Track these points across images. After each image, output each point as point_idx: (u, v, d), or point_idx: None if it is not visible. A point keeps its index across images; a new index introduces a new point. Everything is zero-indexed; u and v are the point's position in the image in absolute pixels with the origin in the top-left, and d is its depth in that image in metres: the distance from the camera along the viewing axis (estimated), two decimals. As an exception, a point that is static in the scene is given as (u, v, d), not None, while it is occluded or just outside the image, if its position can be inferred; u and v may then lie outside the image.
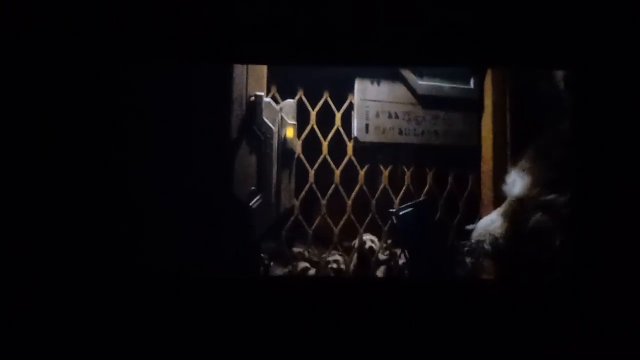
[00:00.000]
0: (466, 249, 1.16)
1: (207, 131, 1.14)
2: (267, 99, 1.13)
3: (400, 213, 1.13)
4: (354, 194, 1.22)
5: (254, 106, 1.11)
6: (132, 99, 1.07)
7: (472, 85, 1.28)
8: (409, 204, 1.16)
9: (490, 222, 1.12)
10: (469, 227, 1.15)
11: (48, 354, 0.99)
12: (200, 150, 1.14)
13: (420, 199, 1.23)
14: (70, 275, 1.00)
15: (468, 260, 1.15)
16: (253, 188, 1.12)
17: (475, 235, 1.13)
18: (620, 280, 0.88)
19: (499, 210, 1.11)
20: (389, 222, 1.20)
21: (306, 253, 1.22)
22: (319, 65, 1.17)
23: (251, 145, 1.12)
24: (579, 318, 0.91)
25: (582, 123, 0.94)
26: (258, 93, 1.11)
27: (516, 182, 1.06)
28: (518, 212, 1.05)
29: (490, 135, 1.27)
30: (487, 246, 1.10)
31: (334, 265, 1.23)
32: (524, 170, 1.06)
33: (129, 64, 1.02)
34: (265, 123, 1.11)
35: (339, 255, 1.23)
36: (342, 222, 1.22)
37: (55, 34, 1.00)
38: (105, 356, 1.00)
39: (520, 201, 1.05)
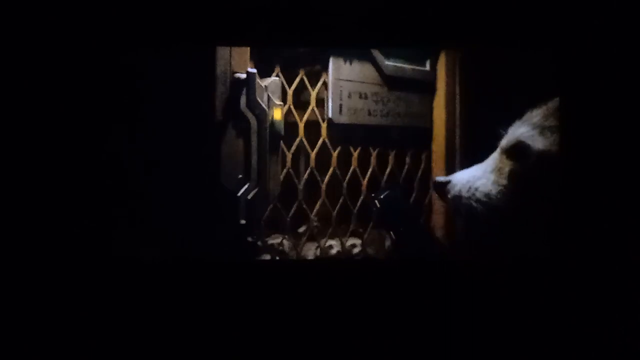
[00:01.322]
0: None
1: (188, 113, 0.99)
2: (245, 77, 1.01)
3: (382, 196, 1.12)
4: (327, 177, 1.18)
5: (246, 84, 0.98)
6: (108, 83, 0.90)
7: (428, 67, 1.31)
8: (385, 186, 1.16)
9: (474, 178, 1.02)
10: (440, 179, 1.07)
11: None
12: (181, 135, 0.98)
13: (390, 181, 1.23)
14: (50, 269, 0.88)
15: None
16: (240, 176, 1.00)
17: (454, 190, 1.04)
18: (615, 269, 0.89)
19: (484, 166, 1.03)
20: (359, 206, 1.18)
21: (282, 244, 1.15)
22: (299, 46, 1.09)
23: (238, 128, 1.00)
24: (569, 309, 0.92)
25: (569, 104, 0.92)
26: (250, 70, 0.98)
27: (534, 139, 0.96)
28: (536, 170, 0.96)
29: (443, 117, 1.33)
30: (474, 204, 1.01)
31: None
32: (544, 128, 0.96)
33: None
34: (259, 104, 0.99)
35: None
36: (316, 207, 1.17)
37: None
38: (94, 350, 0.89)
39: (542, 158, 0.95)
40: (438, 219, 1.35)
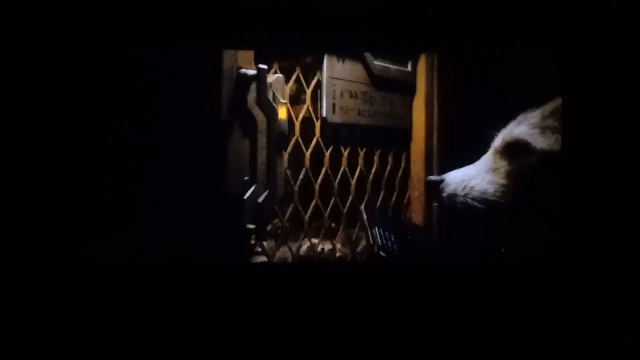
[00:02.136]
0: (435, 204, 1.08)
1: (193, 110, 0.92)
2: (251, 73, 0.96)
3: (379, 234, 1.09)
4: (320, 177, 1.16)
5: (257, 81, 0.93)
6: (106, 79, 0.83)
7: (409, 68, 1.33)
8: (378, 217, 1.14)
9: (469, 177, 1.03)
10: (433, 178, 1.07)
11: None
12: (185, 134, 0.92)
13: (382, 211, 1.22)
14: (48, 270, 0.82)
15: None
16: (247, 178, 0.95)
17: (448, 189, 1.04)
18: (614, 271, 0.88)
19: (477, 167, 1.05)
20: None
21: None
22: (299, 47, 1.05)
23: (244, 127, 0.95)
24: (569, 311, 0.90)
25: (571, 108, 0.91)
26: (261, 66, 0.93)
27: (535, 138, 0.98)
28: (537, 168, 0.97)
29: (422, 118, 1.35)
30: (470, 202, 1.02)
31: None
32: (544, 128, 0.98)
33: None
34: (270, 102, 0.94)
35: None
36: (310, 209, 1.14)
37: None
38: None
39: (545, 157, 0.97)
40: (417, 217, 1.37)
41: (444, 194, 1.06)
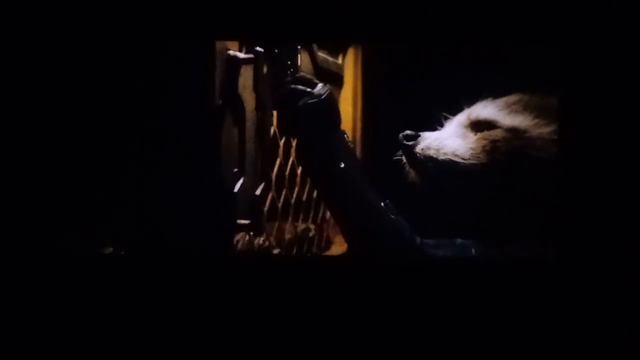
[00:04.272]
0: (400, 155, 1.07)
1: (179, 96, 0.82)
2: (243, 56, 0.90)
3: None
4: (275, 169, 1.12)
5: (254, 66, 0.87)
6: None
7: (340, 60, 1.35)
8: None
9: (442, 137, 1.06)
10: (409, 132, 1.07)
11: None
12: (171, 121, 0.82)
13: None
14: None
15: (409, 170, 1.07)
16: (236, 170, 0.89)
17: (423, 143, 1.06)
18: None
19: (447, 132, 1.08)
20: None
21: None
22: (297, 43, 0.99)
23: (235, 114, 0.88)
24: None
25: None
26: (258, 49, 0.87)
27: (504, 117, 1.03)
28: (504, 140, 1.02)
29: (350, 110, 1.39)
30: (442, 157, 1.04)
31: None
32: (511, 111, 1.04)
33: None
34: (265, 88, 0.89)
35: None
36: (268, 200, 1.10)
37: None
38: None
39: (511, 131, 1.02)
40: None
41: (419, 146, 1.07)
